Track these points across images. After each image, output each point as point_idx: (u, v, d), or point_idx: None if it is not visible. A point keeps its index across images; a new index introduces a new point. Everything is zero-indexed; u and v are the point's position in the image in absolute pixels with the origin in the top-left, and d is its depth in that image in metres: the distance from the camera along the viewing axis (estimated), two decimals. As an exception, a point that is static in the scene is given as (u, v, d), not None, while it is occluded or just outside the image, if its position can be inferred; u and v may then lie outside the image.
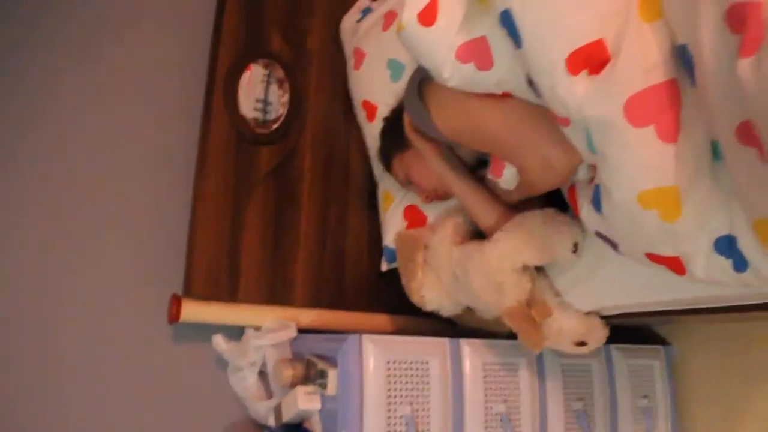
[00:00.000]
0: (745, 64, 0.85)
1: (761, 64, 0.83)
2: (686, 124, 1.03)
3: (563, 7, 1.09)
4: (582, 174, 1.34)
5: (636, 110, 1.03)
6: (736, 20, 0.88)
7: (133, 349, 1.73)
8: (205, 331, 1.74)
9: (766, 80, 0.82)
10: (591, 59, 1.08)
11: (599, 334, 1.58)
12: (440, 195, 1.74)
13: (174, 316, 1.64)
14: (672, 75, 1.03)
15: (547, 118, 1.22)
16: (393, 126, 1.76)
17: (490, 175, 1.52)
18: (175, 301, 1.64)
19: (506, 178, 1.48)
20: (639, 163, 1.07)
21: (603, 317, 1.60)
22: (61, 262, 1.68)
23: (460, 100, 1.41)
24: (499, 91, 1.34)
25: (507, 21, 1.14)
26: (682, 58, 1.02)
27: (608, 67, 1.07)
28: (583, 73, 1.09)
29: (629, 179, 1.09)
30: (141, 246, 1.79)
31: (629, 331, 1.98)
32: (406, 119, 1.62)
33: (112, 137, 1.79)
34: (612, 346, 1.86)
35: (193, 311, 1.67)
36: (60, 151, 1.72)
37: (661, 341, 2.10)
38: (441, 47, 1.30)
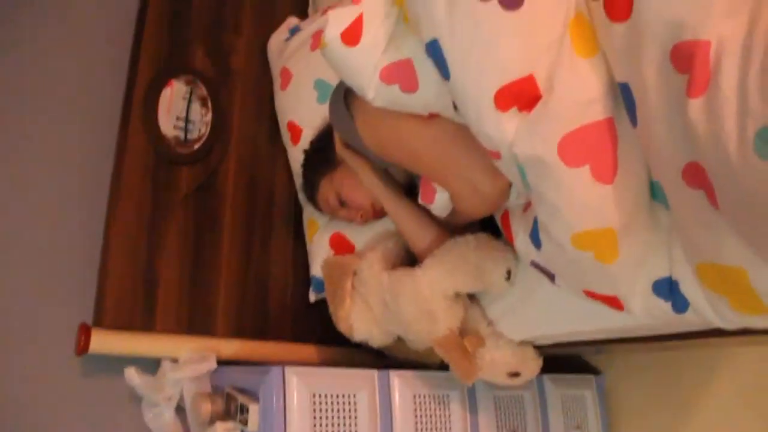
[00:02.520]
0: (695, 105, 0.83)
1: (711, 104, 0.81)
2: (624, 165, 1.01)
3: (493, 40, 1.05)
4: (514, 199, 1.30)
5: (570, 150, 1.01)
6: (681, 59, 0.86)
7: (38, 382, 1.60)
8: (118, 363, 1.62)
9: (718, 121, 0.80)
10: (520, 96, 1.06)
11: (533, 364, 1.57)
12: (378, 212, 1.69)
13: (82, 347, 1.52)
14: (609, 113, 1.01)
15: (475, 141, 1.17)
16: (319, 149, 1.72)
17: (421, 201, 1.47)
18: (84, 331, 1.52)
19: (438, 204, 1.43)
20: (574, 204, 1.04)
21: (536, 347, 1.58)
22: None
23: (387, 114, 1.36)
24: (426, 113, 1.30)
25: (435, 51, 1.11)
26: (623, 96, 1.00)
27: (540, 104, 1.04)
28: (513, 109, 1.06)
29: (564, 220, 1.06)
30: (48, 270, 1.66)
31: (561, 360, 1.97)
32: (337, 135, 1.57)
33: (21, 150, 1.68)
34: (545, 376, 1.84)
35: (104, 341, 1.55)
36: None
37: (593, 371, 2.09)
38: (365, 68, 1.25)
